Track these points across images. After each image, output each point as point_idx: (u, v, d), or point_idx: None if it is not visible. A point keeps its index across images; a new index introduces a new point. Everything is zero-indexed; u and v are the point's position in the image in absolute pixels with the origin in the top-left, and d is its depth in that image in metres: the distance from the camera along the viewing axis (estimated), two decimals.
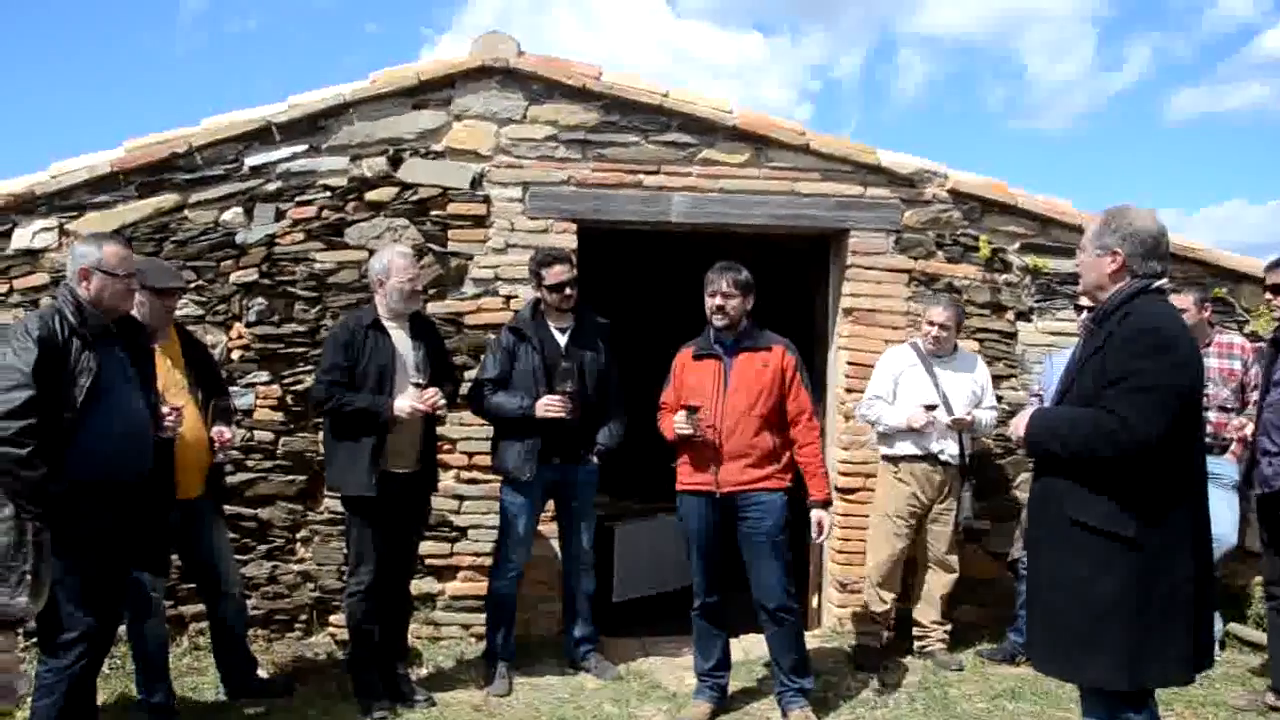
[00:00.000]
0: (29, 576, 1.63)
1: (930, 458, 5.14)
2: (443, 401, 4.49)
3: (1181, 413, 2.84)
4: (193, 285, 5.19)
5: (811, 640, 5.18)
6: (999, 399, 5.67)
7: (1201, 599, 2.94)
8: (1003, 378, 5.75)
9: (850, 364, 5.66)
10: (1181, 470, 2.92)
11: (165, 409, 3.86)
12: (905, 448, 5.16)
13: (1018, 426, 3.17)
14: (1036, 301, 5.82)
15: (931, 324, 5.16)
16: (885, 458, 5.29)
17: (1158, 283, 2.99)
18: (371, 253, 4.98)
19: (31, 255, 5.17)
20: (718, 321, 4.43)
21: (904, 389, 5.18)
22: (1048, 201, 5.83)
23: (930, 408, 5.03)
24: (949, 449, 5.14)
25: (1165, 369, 2.81)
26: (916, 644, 5.32)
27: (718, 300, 4.40)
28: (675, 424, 4.38)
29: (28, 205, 5.16)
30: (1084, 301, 4.57)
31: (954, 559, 5.27)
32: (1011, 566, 5.51)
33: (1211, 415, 4.98)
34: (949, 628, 5.32)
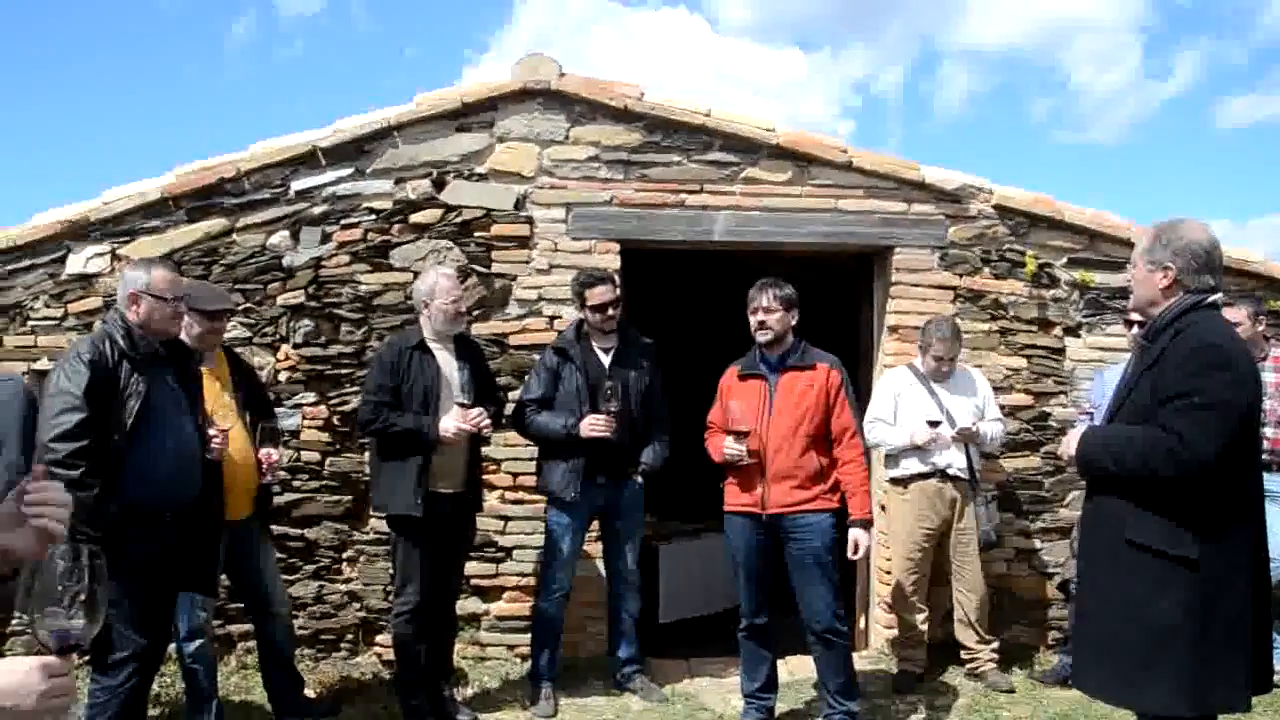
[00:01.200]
0: (82, 598, 1.63)
1: (938, 474, 5.07)
2: (487, 422, 4.49)
3: (1240, 430, 2.77)
4: (241, 308, 5.27)
5: (860, 661, 5.11)
6: (1046, 415, 5.60)
7: (1261, 620, 2.86)
8: (1051, 394, 5.67)
9: None
10: (1240, 488, 2.85)
11: (211, 430, 3.89)
12: (911, 465, 5.10)
13: (1069, 445, 3.11)
14: (1085, 316, 5.73)
15: (928, 352, 5.09)
16: (892, 480, 5.21)
17: (1211, 297, 2.92)
18: (416, 274, 5.02)
19: (85, 280, 5.27)
20: (761, 337, 4.41)
21: (905, 408, 5.12)
22: (1095, 215, 5.75)
23: (934, 424, 4.97)
24: (956, 462, 5.06)
25: (1223, 386, 2.74)
26: (967, 665, 5.23)
27: (760, 316, 4.39)
28: (725, 449, 4.36)
29: (81, 231, 5.27)
30: (1135, 316, 4.48)
31: (979, 578, 5.14)
32: (1063, 587, 5.42)
33: (1269, 431, 4.88)
34: (996, 646, 5.21)
